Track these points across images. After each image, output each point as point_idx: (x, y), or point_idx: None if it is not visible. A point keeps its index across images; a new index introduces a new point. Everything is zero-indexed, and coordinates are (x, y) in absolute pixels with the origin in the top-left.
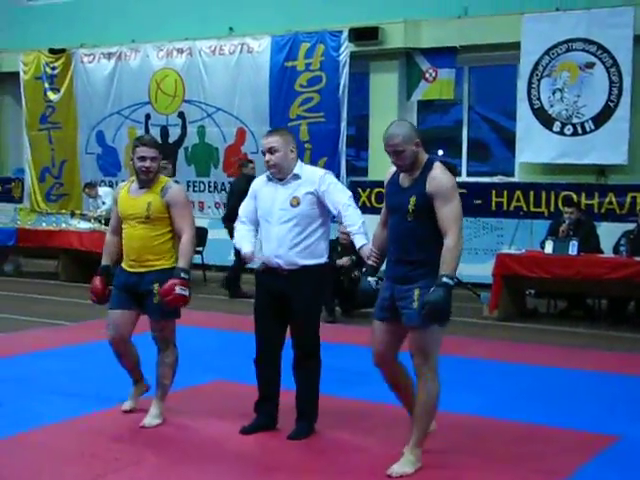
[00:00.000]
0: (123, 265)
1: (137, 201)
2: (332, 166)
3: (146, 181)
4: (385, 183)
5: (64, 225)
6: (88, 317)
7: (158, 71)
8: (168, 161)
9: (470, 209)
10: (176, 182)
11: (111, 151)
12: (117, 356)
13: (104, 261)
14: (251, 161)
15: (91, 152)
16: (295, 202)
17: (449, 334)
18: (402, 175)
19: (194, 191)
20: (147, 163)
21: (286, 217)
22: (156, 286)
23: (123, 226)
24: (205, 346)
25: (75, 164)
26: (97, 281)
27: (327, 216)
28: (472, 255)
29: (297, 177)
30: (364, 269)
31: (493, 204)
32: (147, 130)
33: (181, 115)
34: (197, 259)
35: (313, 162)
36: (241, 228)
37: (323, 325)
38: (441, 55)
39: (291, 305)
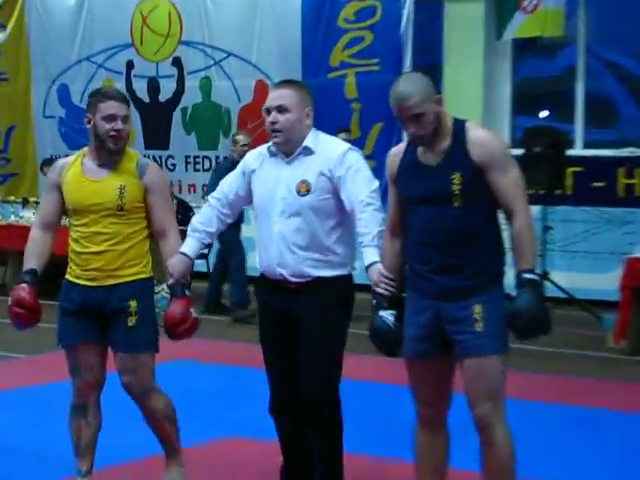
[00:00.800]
0: (73, 278)
1: (101, 185)
2: (390, 134)
3: (114, 153)
4: (391, 169)
5: (13, 218)
6: (50, 346)
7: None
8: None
9: (587, 195)
10: (173, 165)
11: (79, 113)
12: (76, 416)
13: (29, 265)
14: (243, 134)
15: (50, 115)
16: (304, 188)
17: (555, 373)
18: (422, 151)
19: (195, 170)
20: (119, 124)
21: (291, 209)
22: (133, 304)
23: (74, 221)
24: (206, 389)
25: (28, 132)
26: (23, 290)
27: (346, 212)
28: (589, 260)
29: (309, 152)
30: (374, 301)
31: (620, 188)
32: (129, 83)
33: (177, 63)
34: (200, 265)
35: (363, 128)
36: (201, 212)
37: (381, 359)
38: None
39: (301, 330)
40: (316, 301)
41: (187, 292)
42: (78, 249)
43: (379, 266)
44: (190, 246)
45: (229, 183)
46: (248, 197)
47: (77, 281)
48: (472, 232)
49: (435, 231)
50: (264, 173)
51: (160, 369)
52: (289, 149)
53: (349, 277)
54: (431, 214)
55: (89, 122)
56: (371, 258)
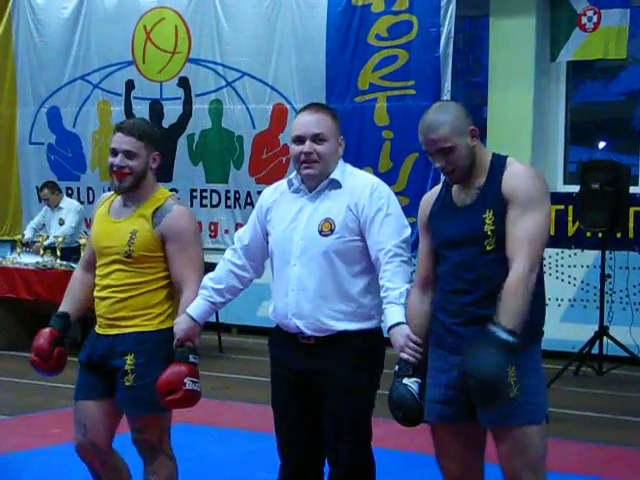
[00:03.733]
0: (96, 327)
1: (116, 227)
2: (426, 167)
3: (118, 191)
4: (423, 214)
5: None
6: (40, 406)
7: (148, 12)
8: None
9: None
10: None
11: (71, 140)
12: (92, 473)
13: (62, 307)
14: None
15: (38, 142)
16: (327, 228)
17: (616, 444)
18: (456, 190)
19: (202, 206)
20: (117, 159)
21: (312, 252)
22: (129, 360)
23: (97, 262)
24: (220, 458)
25: (11, 160)
26: (42, 337)
27: (366, 255)
28: None
29: (336, 185)
30: (396, 367)
31: None
32: (129, 105)
33: (184, 83)
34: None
35: (395, 160)
36: (220, 266)
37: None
38: None
39: (323, 396)
40: (339, 361)
41: (191, 358)
42: (94, 293)
43: (405, 328)
44: (196, 307)
45: (246, 229)
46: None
47: (95, 327)
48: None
49: (466, 278)
50: (282, 210)
51: None
52: (314, 183)
53: (377, 331)
54: (462, 259)
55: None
56: (396, 318)
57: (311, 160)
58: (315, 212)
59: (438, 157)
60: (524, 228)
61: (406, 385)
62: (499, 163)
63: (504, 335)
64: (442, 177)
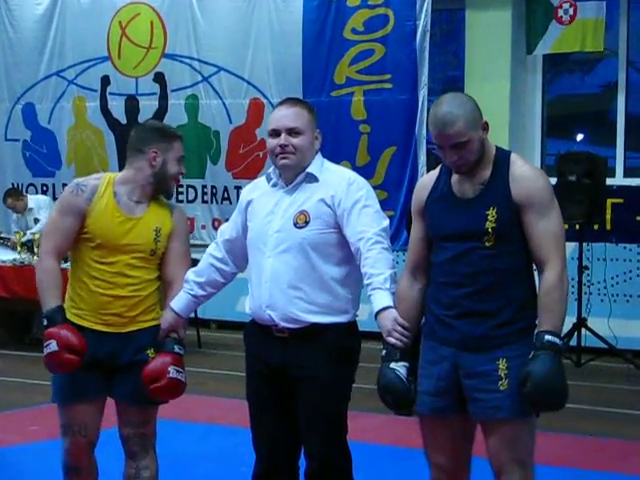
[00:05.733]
0: (80, 321)
1: (136, 224)
2: (404, 161)
3: (170, 196)
4: (419, 201)
5: None
6: (19, 403)
7: (124, 7)
8: None
9: (629, 230)
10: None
11: (47, 136)
12: (70, 474)
13: (54, 301)
14: None
15: (13, 138)
16: (302, 220)
17: (594, 435)
18: (456, 181)
19: (178, 201)
20: (183, 168)
21: (286, 243)
22: (151, 352)
23: (95, 257)
24: (199, 453)
25: None
26: (65, 331)
27: (341, 245)
28: (632, 305)
29: (312, 179)
30: (384, 351)
31: None
32: (104, 101)
33: (159, 78)
34: None
35: (373, 154)
36: (202, 260)
37: (390, 418)
38: None
39: (297, 389)
40: (313, 355)
41: (176, 348)
42: (98, 290)
43: (393, 312)
44: (178, 300)
45: (228, 223)
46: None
47: (86, 324)
48: (503, 276)
49: (462, 271)
50: (261, 204)
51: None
52: (291, 175)
53: (352, 325)
54: (459, 252)
55: (155, 159)
56: (383, 302)
57: (287, 152)
58: (291, 205)
59: (451, 151)
60: (548, 230)
61: (394, 369)
62: (503, 158)
63: (551, 338)
64: (421, 165)
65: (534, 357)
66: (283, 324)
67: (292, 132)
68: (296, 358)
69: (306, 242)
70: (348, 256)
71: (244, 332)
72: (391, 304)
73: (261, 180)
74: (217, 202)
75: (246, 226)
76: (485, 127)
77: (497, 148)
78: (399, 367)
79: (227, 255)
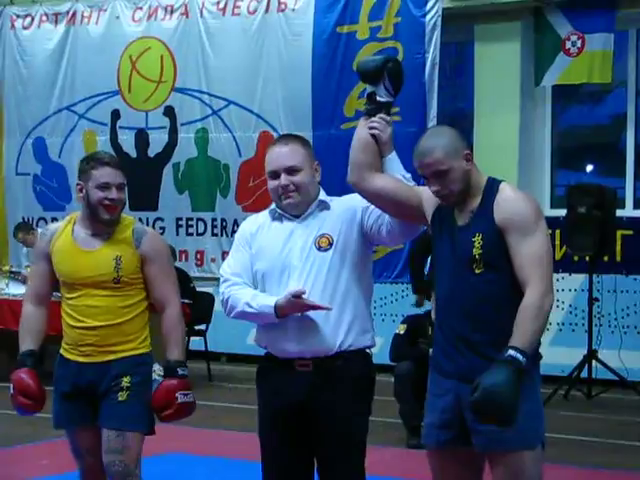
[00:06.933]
0: (66, 354)
1: (95, 256)
2: None
3: (110, 223)
4: (429, 201)
5: None
6: (29, 438)
7: (134, 41)
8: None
9: (638, 260)
10: (162, 228)
11: (57, 170)
12: None
13: (26, 345)
14: None
15: (24, 172)
16: (325, 243)
17: (604, 467)
18: (457, 209)
19: (188, 234)
20: (114, 194)
21: (311, 270)
22: (126, 380)
23: (66, 294)
24: None
25: None
26: (25, 375)
27: (370, 267)
28: None
29: (325, 206)
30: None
31: None
32: (114, 135)
33: (169, 112)
34: (197, 343)
35: None
36: (240, 289)
37: (403, 451)
38: (591, 12)
39: (319, 426)
40: (338, 389)
41: (180, 371)
42: (72, 323)
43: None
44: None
45: (237, 261)
46: None
47: (71, 357)
48: (498, 303)
49: (456, 300)
50: (270, 238)
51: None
52: (297, 210)
53: (370, 353)
54: (454, 283)
55: (81, 190)
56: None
57: (289, 191)
58: (309, 232)
59: (433, 180)
60: (529, 252)
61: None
62: (492, 187)
63: (514, 353)
64: None
65: (490, 369)
66: (309, 354)
67: (291, 171)
68: (319, 393)
69: (332, 263)
70: (368, 273)
71: (258, 368)
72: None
73: (262, 215)
74: (227, 235)
75: (252, 258)
76: (468, 158)
77: (489, 178)
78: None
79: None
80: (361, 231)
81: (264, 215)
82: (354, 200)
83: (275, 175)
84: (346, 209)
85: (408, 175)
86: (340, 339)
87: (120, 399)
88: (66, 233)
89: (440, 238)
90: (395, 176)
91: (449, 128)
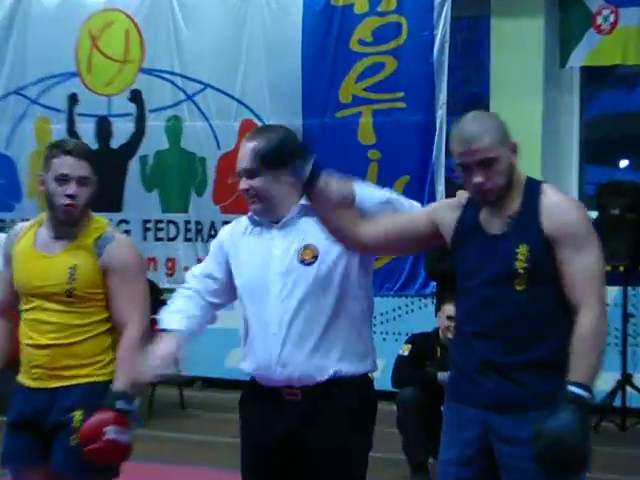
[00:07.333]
0: (20, 377)
1: (49, 262)
2: (419, 193)
3: (68, 224)
4: (441, 215)
5: None
6: None
7: (95, 14)
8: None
9: None
10: (127, 232)
11: (4, 164)
12: None
13: None
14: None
15: None
16: (309, 255)
17: None
18: (485, 215)
19: (157, 239)
20: (72, 189)
21: (295, 286)
22: (78, 415)
23: (21, 305)
24: None
25: None
26: None
27: (369, 279)
28: None
29: (308, 211)
30: None
31: None
32: (71, 123)
33: (136, 97)
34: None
35: (384, 184)
36: (181, 296)
37: None
38: None
39: (310, 460)
40: (332, 419)
41: (120, 404)
42: (23, 340)
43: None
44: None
45: (205, 265)
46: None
47: (23, 380)
48: (538, 323)
49: (491, 320)
50: (249, 248)
51: None
52: (272, 215)
53: (370, 379)
54: (487, 298)
55: (41, 182)
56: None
57: (250, 196)
58: (290, 242)
59: (477, 171)
60: (584, 268)
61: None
62: (534, 189)
63: (577, 390)
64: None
65: (556, 411)
66: (299, 384)
67: (250, 173)
68: (310, 424)
69: (318, 279)
70: (367, 286)
71: (242, 396)
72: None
73: (243, 220)
74: (202, 240)
75: (229, 267)
76: (514, 148)
77: (528, 178)
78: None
79: (204, 297)
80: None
81: (244, 221)
82: None
83: (239, 175)
84: None
85: (388, 194)
86: (332, 366)
87: (72, 443)
88: (29, 235)
89: (465, 248)
90: (384, 215)
91: (491, 113)
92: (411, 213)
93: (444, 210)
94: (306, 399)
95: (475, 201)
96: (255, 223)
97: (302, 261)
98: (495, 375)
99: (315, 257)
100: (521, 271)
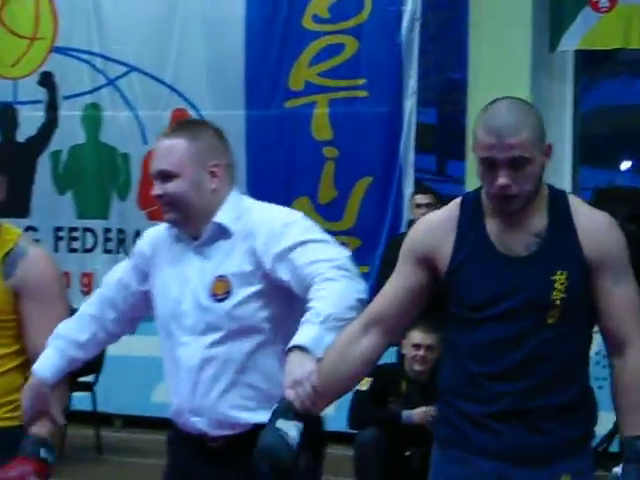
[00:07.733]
0: None
1: None
2: (384, 197)
3: None
4: (431, 241)
5: None
6: None
7: None
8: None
9: None
10: (37, 241)
11: None
12: None
13: None
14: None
15: None
16: (221, 289)
17: None
18: (497, 232)
19: (71, 250)
20: None
21: (204, 324)
22: None
23: None
24: None
25: None
26: None
27: (291, 318)
28: None
29: (224, 232)
30: (276, 404)
31: None
32: None
33: (47, 81)
34: (82, 401)
35: (342, 187)
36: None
37: None
38: None
39: None
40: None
41: (42, 452)
42: None
43: (310, 361)
44: (45, 359)
45: (112, 274)
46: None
47: None
48: (567, 362)
49: (513, 359)
50: (166, 269)
51: None
52: (192, 229)
53: (318, 419)
54: (509, 332)
55: None
56: (303, 339)
57: (163, 204)
58: (203, 270)
59: (505, 171)
60: (628, 298)
61: (279, 429)
62: (561, 200)
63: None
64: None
65: (627, 471)
66: (213, 432)
67: (164, 176)
68: (235, 474)
69: (231, 318)
70: (286, 328)
71: (167, 438)
72: (316, 348)
73: (161, 229)
74: (125, 252)
75: (145, 280)
76: (548, 153)
77: (549, 187)
78: (289, 427)
79: (100, 313)
80: (270, 280)
81: (163, 232)
82: (260, 226)
83: (154, 178)
84: (249, 240)
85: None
86: (250, 417)
87: None
88: None
89: (471, 272)
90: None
91: (532, 104)
92: (396, 280)
93: (433, 238)
94: (230, 447)
95: (493, 208)
96: (176, 238)
97: (213, 295)
98: (516, 422)
99: (228, 292)
100: (558, 302)
